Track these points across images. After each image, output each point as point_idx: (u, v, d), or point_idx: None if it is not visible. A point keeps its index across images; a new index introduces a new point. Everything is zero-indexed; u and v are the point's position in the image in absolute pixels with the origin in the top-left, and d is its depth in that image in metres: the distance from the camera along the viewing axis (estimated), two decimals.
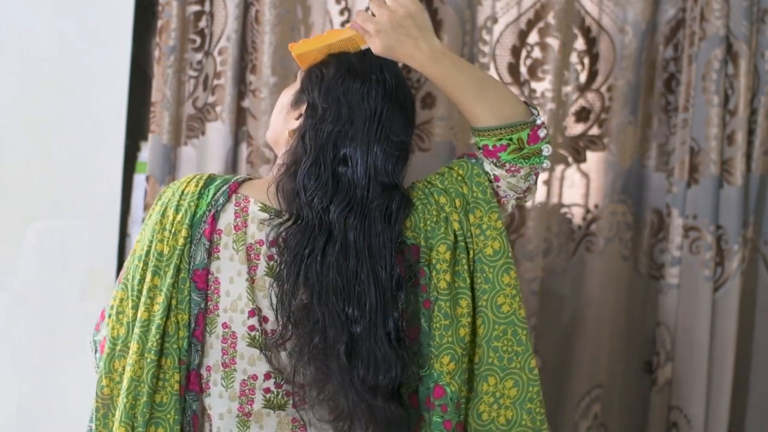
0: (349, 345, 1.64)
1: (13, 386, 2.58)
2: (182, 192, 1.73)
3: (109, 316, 1.75)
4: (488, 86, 1.68)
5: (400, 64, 1.75)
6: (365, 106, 1.68)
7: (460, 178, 1.74)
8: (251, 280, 1.68)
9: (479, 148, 1.72)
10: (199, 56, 2.55)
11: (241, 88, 2.57)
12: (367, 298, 1.64)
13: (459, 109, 1.71)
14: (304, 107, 1.73)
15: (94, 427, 1.75)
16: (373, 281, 1.65)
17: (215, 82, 2.56)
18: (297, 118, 1.74)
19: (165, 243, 1.70)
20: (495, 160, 1.70)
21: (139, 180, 2.63)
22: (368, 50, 1.71)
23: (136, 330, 1.70)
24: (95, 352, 1.80)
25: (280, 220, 1.67)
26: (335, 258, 1.65)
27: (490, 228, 1.73)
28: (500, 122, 1.67)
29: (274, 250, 1.68)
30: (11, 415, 2.58)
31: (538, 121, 1.69)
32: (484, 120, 1.67)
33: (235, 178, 1.74)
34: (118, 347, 1.72)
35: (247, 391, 1.70)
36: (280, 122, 1.78)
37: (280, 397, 1.69)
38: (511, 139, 1.67)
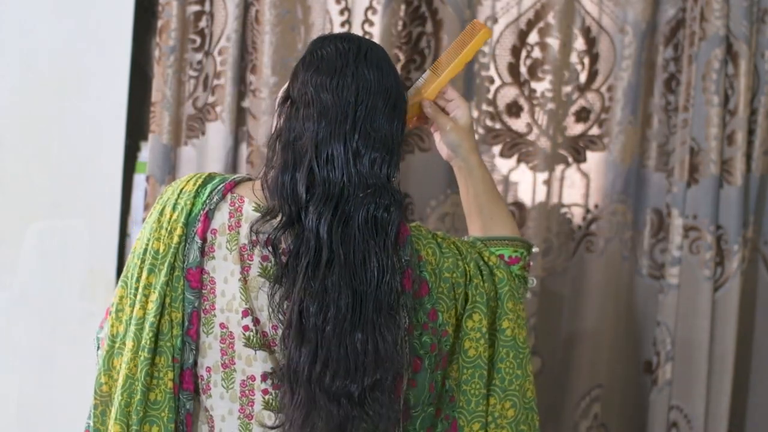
0: (312, 352, 1.63)
1: (13, 386, 2.58)
2: (181, 190, 1.72)
3: (111, 314, 1.75)
4: (498, 195, 1.86)
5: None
6: (338, 101, 1.65)
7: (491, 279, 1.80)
8: (244, 280, 1.67)
9: (505, 265, 1.81)
10: (199, 56, 2.55)
11: (241, 88, 2.57)
12: (334, 306, 1.63)
13: (487, 218, 1.83)
14: (286, 105, 1.72)
15: (92, 423, 1.74)
16: (347, 290, 1.62)
17: (215, 82, 2.56)
18: (280, 116, 1.73)
19: (161, 241, 1.70)
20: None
21: (139, 180, 2.63)
22: (348, 45, 1.69)
23: (132, 327, 1.69)
24: (97, 349, 1.80)
25: (270, 219, 1.66)
26: (306, 263, 1.63)
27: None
28: (510, 233, 1.82)
29: (268, 250, 1.67)
30: (11, 415, 2.58)
31: (534, 249, 1.84)
32: (498, 225, 1.82)
33: (232, 178, 1.73)
34: (117, 345, 1.72)
35: (247, 392, 1.69)
36: (273, 121, 1.77)
37: (278, 399, 1.69)
38: (522, 254, 1.81)
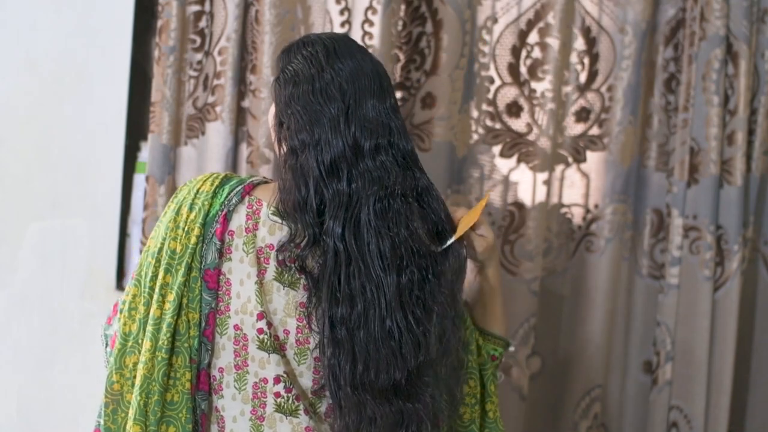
0: (350, 355, 1.65)
1: (13, 385, 2.59)
2: (197, 190, 1.72)
3: (121, 312, 1.74)
4: (501, 296, 1.90)
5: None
6: (325, 102, 1.65)
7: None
8: (260, 283, 1.68)
9: (487, 355, 1.88)
10: (199, 56, 2.55)
11: (241, 88, 2.57)
12: (361, 304, 1.65)
13: (483, 311, 1.87)
14: (282, 129, 1.71)
15: (102, 422, 1.74)
16: (369, 284, 1.64)
17: (215, 82, 2.56)
18: (280, 142, 1.71)
19: (178, 241, 1.70)
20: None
21: (139, 180, 2.63)
22: (313, 48, 1.69)
23: (149, 327, 1.69)
24: (105, 346, 1.80)
25: (297, 240, 1.67)
26: (329, 274, 1.65)
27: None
28: (500, 333, 1.88)
29: (296, 268, 1.68)
30: (11, 414, 2.58)
31: (511, 349, 1.91)
32: (494, 323, 1.87)
33: (250, 180, 1.73)
34: (129, 343, 1.72)
35: (259, 394, 1.69)
36: (276, 144, 1.77)
37: (290, 402, 1.69)
38: (501, 353, 1.88)
